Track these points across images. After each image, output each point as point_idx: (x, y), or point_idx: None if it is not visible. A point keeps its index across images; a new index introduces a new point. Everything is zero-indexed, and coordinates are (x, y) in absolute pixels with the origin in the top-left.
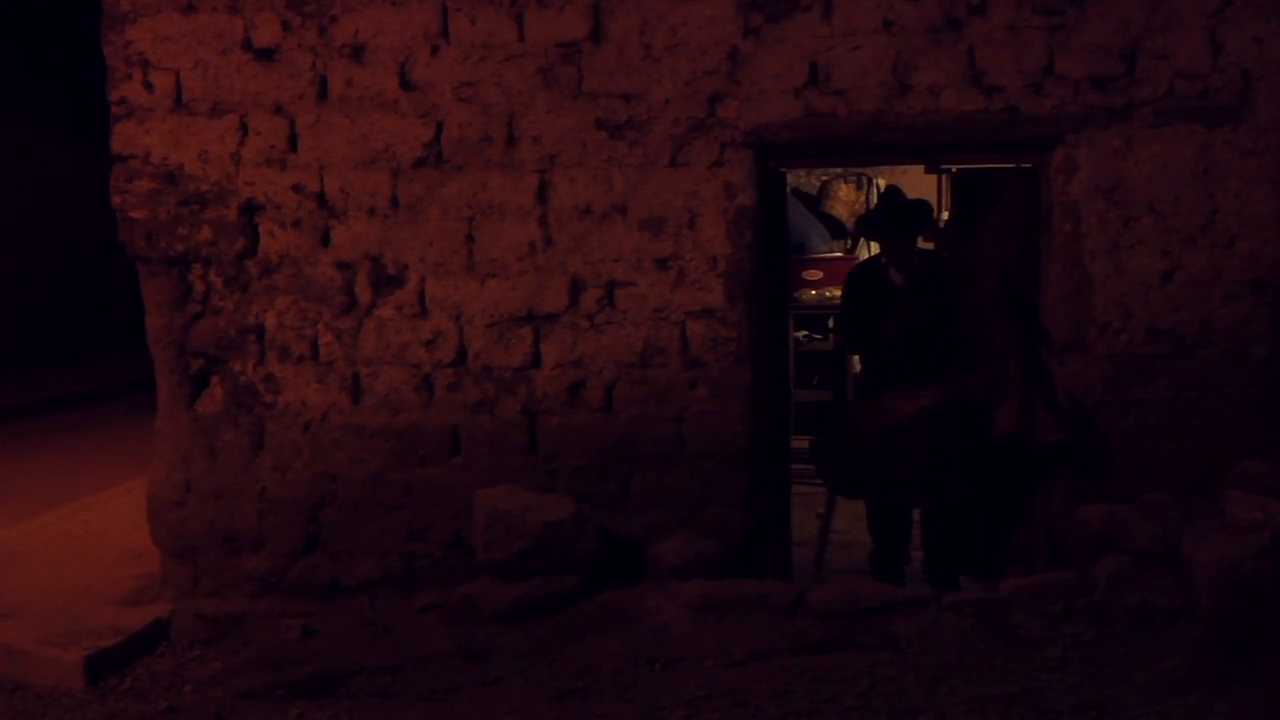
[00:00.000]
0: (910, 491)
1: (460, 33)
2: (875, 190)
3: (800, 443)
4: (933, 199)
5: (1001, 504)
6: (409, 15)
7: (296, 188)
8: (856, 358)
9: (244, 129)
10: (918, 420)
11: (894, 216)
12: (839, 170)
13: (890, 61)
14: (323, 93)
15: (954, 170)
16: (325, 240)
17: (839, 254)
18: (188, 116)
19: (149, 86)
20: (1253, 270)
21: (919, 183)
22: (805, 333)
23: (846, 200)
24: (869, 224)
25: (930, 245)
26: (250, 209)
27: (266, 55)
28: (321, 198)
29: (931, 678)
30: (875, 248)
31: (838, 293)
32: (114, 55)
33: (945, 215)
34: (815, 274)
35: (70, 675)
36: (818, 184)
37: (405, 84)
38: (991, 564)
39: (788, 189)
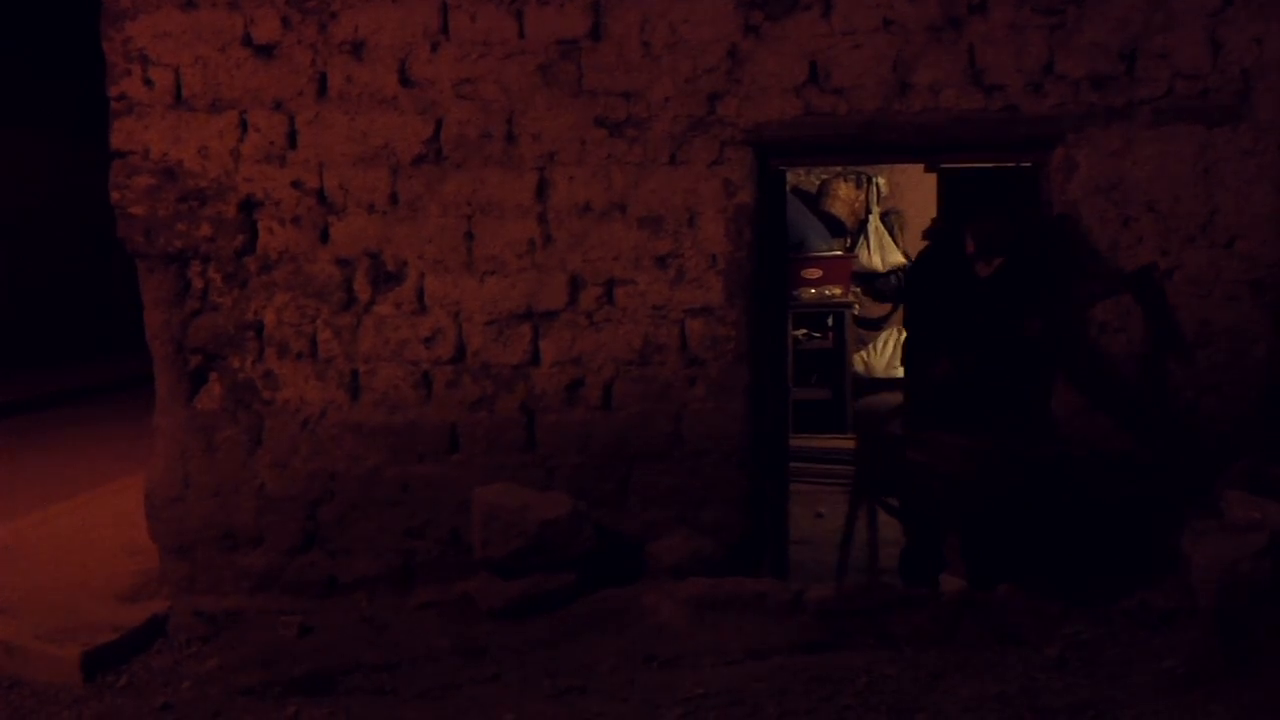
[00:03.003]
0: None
1: (460, 30)
2: (875, 189)
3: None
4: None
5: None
6: (409, 12)
7: (296, 184)
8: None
9: (243, 125)
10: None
11: (1000, 204)
12: (839, 169)
13: (890, 60)
14: (322, 89)
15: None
16: (324, 237)
17: (838, 252)
18: (187, 112)
19: (148, 82)
20: (1252, 270)
21: (918, 182)
22: (804, 331)
23: (846, 199)
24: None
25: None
26: (249, 205)
27: (266, 51)
28: (321, 194)
29: (929, 676)
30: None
31: (837, 291)
32: (113, 51)
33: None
34: (814, 272)
35: (67, 671)
36: (817, 182)
37: (405, 81)
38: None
39: (787, 187)
